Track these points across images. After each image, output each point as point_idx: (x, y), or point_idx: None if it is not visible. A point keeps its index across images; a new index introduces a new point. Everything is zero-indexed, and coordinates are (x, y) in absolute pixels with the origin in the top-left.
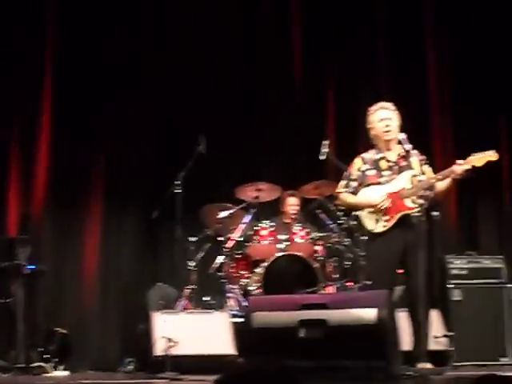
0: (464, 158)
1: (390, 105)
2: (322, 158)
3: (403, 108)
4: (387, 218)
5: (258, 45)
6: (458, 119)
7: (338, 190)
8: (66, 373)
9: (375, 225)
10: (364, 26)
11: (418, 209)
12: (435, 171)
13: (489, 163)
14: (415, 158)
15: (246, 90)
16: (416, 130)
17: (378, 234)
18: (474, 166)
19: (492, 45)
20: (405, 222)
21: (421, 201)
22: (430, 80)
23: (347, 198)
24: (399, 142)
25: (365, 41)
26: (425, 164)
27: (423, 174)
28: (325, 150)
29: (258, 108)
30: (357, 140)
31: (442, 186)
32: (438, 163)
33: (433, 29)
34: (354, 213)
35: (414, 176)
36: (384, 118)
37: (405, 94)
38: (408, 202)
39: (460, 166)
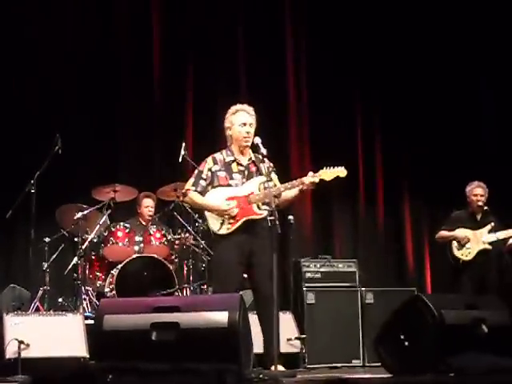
0: (319, 164)
1: (251, 109)
2: (180, 159)
3: (261, 110)
4: (232, 221)
5: (116, 43)
6: (314, 124)
7: (186, 187)
8: None
9: (220, 226)
10: (224, 27)
11: (265, 215)
12: (290, 175)
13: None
14: (264, 164)
15: (105, 90)
16: (274, 134)
17: (223, 236)
18: (322, 180)
19: (353, 52)
20: (250, 226)
21: (267, 207)
22: (288, 82)
23: (195, 197)
24: (254, 146)
25: (224, 42)
26: (272, 171)
27: (270, 180)
28: (182, 151)
29: (117, 108)
30: (214, 142)
31: (289, 194)
32: (293, 168)
33: (291, 29)
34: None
35: (263, 183)
36: (246, 122)
37: (263, 97)
38: (255, 208)
39: (310, 179)
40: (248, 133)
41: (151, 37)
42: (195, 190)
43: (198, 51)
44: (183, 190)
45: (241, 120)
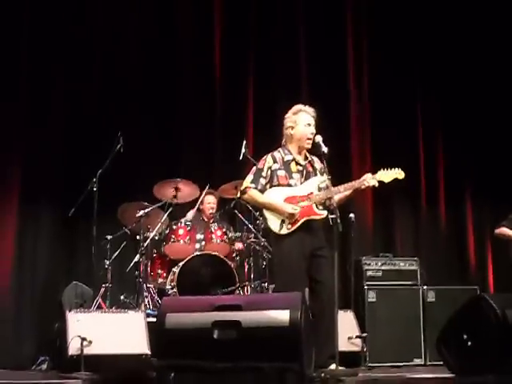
0: (379, 164)
1: (313, 110)
2: (240, 157)
3: (322, 110)
4: (293, 221)
5: (178, 46)
6: (375, 125)
7: (246, 185)
8: None
9: (280, 226)
10: (285, 32)
11: (324, 215)
12: (351, 176)
13: (401, 167)
14: (318, 164)
15: (166, 90)
16: (335, 135)
17: (283, 236)
18: (381, 182)
19: (413, 53)
20: (310, 226)
21: (333, 206)
22: (350, 82)
23: (256, 195)
24: (315, 145)
25: (285, 42)
26: (324, 172)
27: (329, 180)
28: (243, 149)
29: (178, 108)
30: (274, 140)
31: (345, 194)
32: (354, 169)
33: (352, 31)
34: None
35: (322, 182)
36: (310, 123)
37: (324, 98)
38: (315, 208)
39: (369, 181)
40: (312, 133)
41: (212, 37)
42: (255, 188)
43: (259, 51)
44: (241, 188)
45: (306, 120)
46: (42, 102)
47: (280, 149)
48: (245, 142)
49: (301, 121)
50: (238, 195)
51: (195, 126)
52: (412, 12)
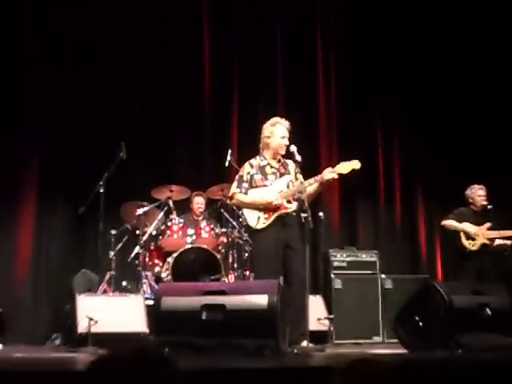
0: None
1: (288, 123)
2: (226, 163)
3: (296, 117)
4: (266, 216)
5: (171, 61)
6: (342, 130)
7: (233, 191)
8: (0, 346)
9: (256, 221)
10: (264, 44)
11: (294, 208)
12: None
13: (363, 170)
14: (291, 166)
15: (162, 107)
16: (307, 139)
17: (260, 230)
18: (340, 174)
19: (374, 60)
20: (283, 220)
21: (295, 202)
22: (319, 91)
23: (242, 197)
24: (289, 153)
25: (265, 67)
26: (298, 173)
27: (296, 179)
28: (229, 157)
29: (172, 121)
30: (256, 148)
31: (312, 189)
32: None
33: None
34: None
35: (291, 181)
36: (285, 135)
37: (298, 109)
38: (285, 203)
39: (329, 174)
40: (285, 144)
41: (202, 56)
42: (240, 192)
43: (242, 73)
44: (229, 194)
45: (281, 133)
46: (55, 111)
47: (257, 156)
48: (230, 151)
49: (277, 133)
50: (228, 201)
51: (187, 136)
52: (372, 24)
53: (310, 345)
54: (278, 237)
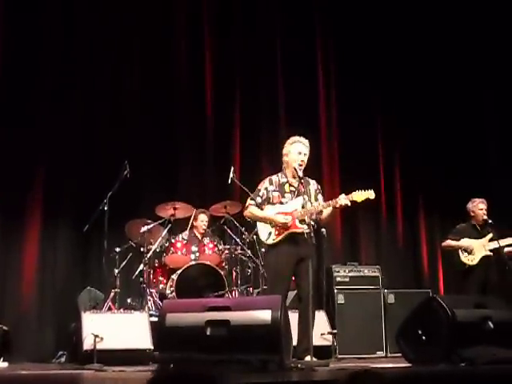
0: (347, 181)
1: (307, 141)
2: (229, 181)
3: (296, 133)
4: (277, 232)
5: (174, 81)
6: (342, 142)
7: (248, 202)
8: (6, 364)
9: (267, 236)
10: (265, 68)
11: (306, 228)
12: (323, 190)
13: (365, 187)
14: (313, 186)
15: (165, 123)
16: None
17: (272, 246)
18: (354, 202)
19: (374, 77)
20: (293, 238)
21: (310, 222)
22: (320, 111)
23: (254, 210)
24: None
25: (267, 86)
26: (319, 193)
27: (316, 200)
28: (231, 174)
29: (176, 141)
30: (258, 167)
31: (326, 212)
32: (325, 183)
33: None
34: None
35: (307, 201)
36: (301, 151)
37: (298, 123)
38: (297, 222)
39: (344, 201)
40: (302, 161)
41: (203, 78)
42: (254, 204)
43: (244, 93)
44: (246, 205)
45: (297, 149)
46: (60, 130)
47: (279, 173)
48: (232, 168)
49: (293, 150)
50: (244, 212)
51: (190, 154)
52: (372, 37)
53: (314, 359)
54: (289, 253)
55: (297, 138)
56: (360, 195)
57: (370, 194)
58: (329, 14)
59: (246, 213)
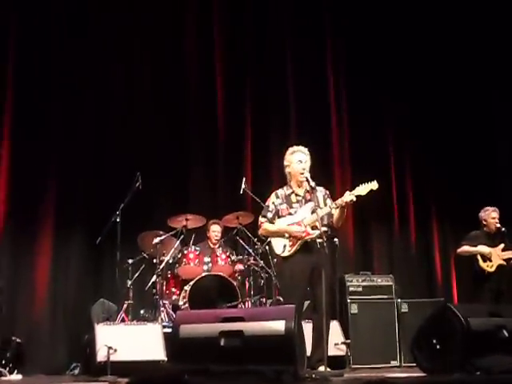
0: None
1: (305, 149)
2: (241, 191)
3: (308, 145)
4: (291, 243)
5: (185, 89)
6: (354, 153)
7: (260, 221)
8: (20, 376)
9: (283, 249)
10: (276, 89)
11: (318, 235)
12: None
13: (376, 195)
14: (320, 193)
15: (177, 135)
16: (321, 165)
17: (286, 258)
18: (359, 196)
19: (384, 84)
20: (307, 247)
21: (323, 228)
22: (332, 119)
23: (267, 226)
24: (307, 180)
25: (277, 100)
26: (328, 198)
27: (325, 205)
28: (243, 185)
29: (188, 152)
30: (269, 178)
31: (336, 214)
32: (338, 190)
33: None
34: (268, 239)
35: (315, 207)
36: (301, 160)
37: (310, 135)
38: (308, 229)
39: (348, 197)
40: (304, 169)
41: (215, 85)
42: (266, 222)
43: (255, 103)
44: (259, 223)
45: (297, 158)
46: (72, 143)
47: (284, 186)
48: (244, 179)
49: (294, 159)
50: (259, 231)
51: (202, 165)
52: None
53: (328, 370)
54: (305, 261)
55: (295, 147)
56: (363, 188)
57: (373, 185)
58: (339, 14)
59: (260, 231)
